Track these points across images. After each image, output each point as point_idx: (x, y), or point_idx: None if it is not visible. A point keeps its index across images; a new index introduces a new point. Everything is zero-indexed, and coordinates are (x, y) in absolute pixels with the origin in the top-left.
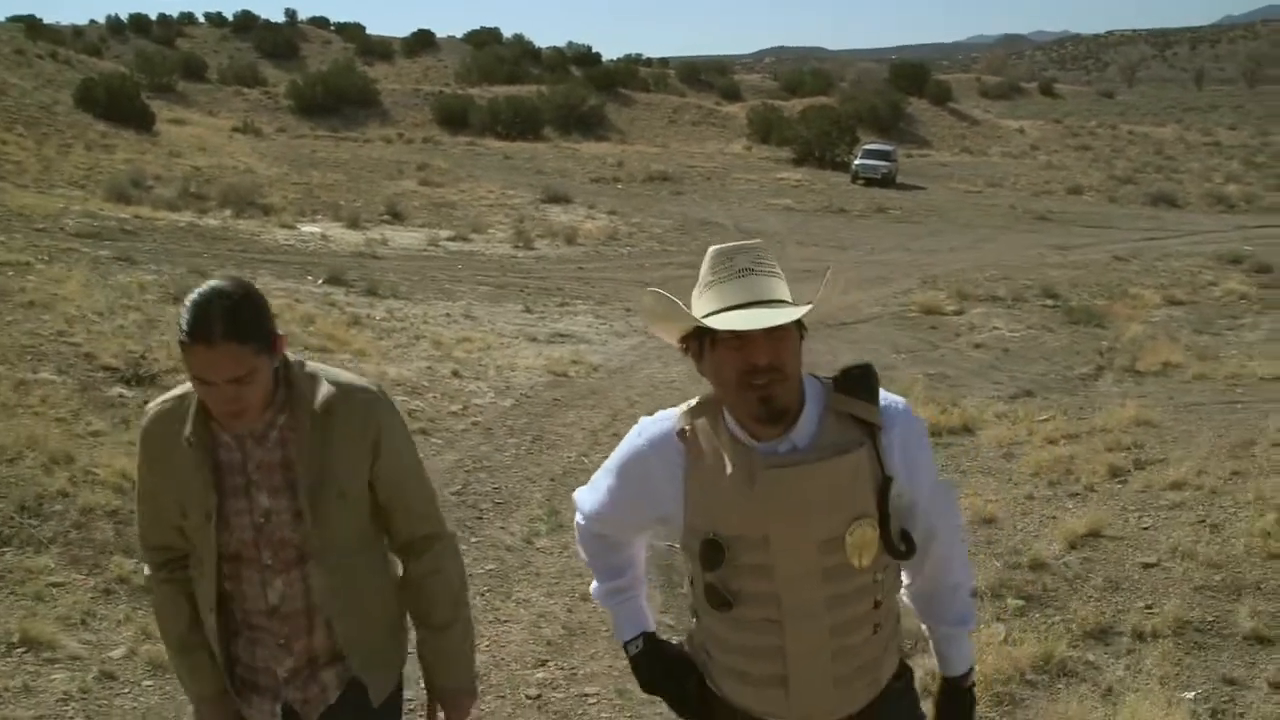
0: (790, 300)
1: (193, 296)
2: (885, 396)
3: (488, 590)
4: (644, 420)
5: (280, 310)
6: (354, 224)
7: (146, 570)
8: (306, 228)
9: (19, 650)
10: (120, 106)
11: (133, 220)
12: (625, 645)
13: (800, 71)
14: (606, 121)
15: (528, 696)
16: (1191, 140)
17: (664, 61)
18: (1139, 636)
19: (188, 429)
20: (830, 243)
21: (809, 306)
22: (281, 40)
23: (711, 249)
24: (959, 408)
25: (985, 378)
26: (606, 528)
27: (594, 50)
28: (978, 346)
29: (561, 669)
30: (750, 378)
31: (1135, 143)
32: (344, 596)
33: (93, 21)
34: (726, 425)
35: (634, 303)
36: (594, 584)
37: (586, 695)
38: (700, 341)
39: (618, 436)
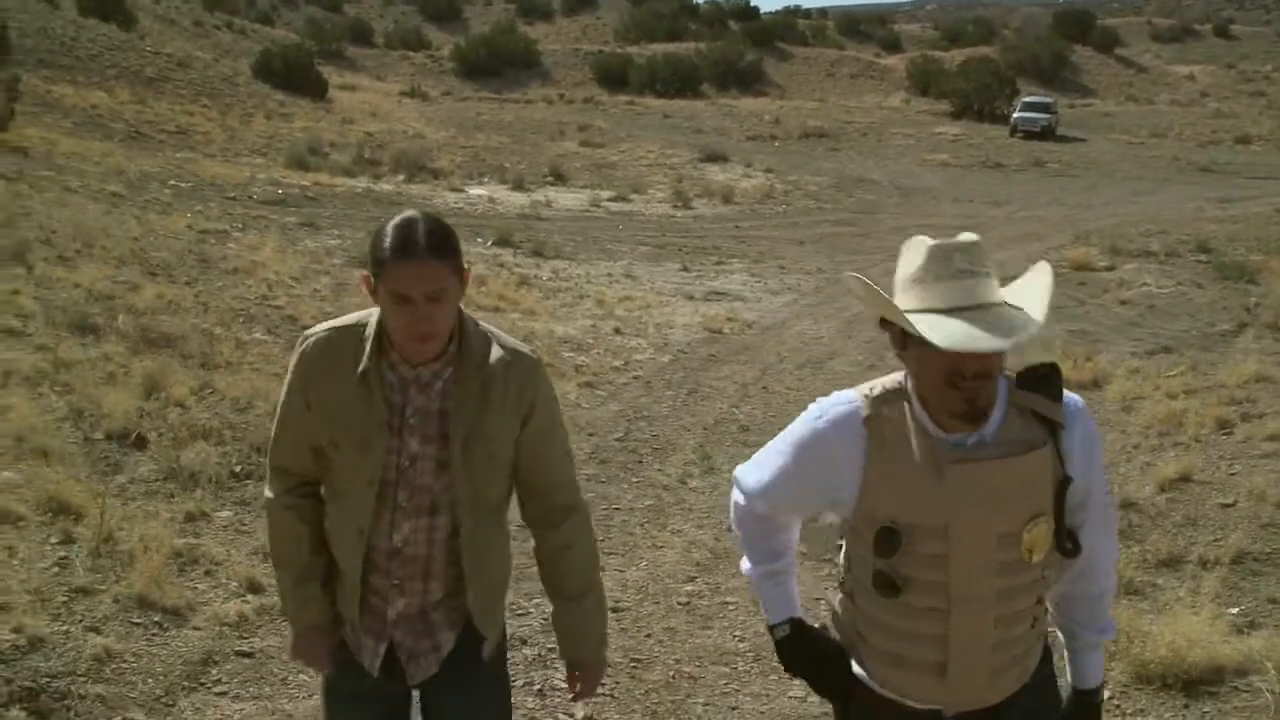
0: (1001, 301)
1: (391, 222)
2: (1066, 395)
3: (647, 521)
4: (822, 401)
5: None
6: (519, 186)
7: (269, 493)
8: (474, 190)
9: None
10: (296, 76)
11: (313, 187)
12: (772, 628)
13: (962, 20)
14: (764, 77)
15: (679, 603)
16: None
17: (823, 12)
18: (1203, 564)
19: (364, 360)
20: (986, 199)
21: (1031, 332)
22: (444, 3)
23: (926, 244)
24: (1092, 363)
25: (1126, 334)
26: (772, 507)
27: (752, 3)
28: (1124, 303)
29: (707, 584)
30: (957, 381)
31: None
32: (474, 553)
33: None
34: (914, 414)
35: (846, 281)
36: (745, 563)
37: (727, 603)
38: (904, 331)
39: (766, 390)
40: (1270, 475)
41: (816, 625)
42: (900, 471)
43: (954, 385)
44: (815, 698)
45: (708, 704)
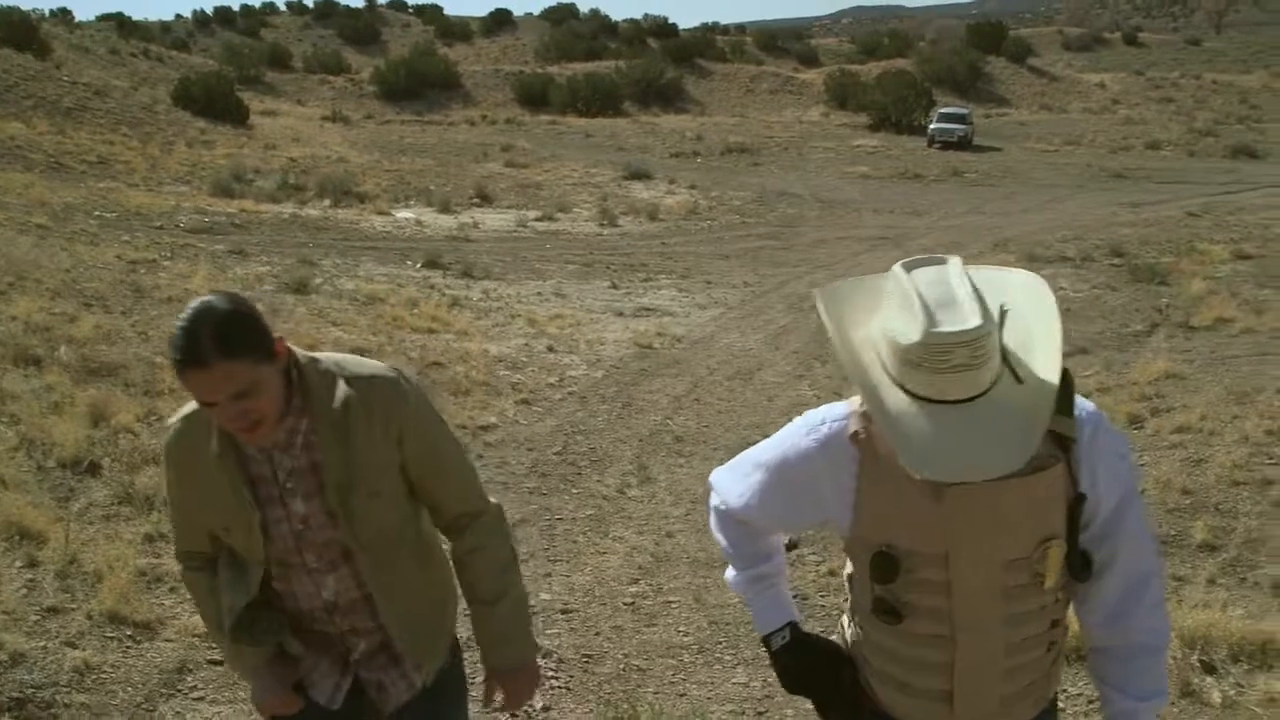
0: (998, 375)
1: (179, 320)
2: (1079, 404)
3: (589, 530)
4: (809, 415)
5: (386, 294)
6: (446, 208)
7: (179, 567)
8: (401, 214)
9: None
10: (216, 103)
11: (240, 214)
12: (768, 638)
13: (877, 33)
14: (685, 94)
15: (624, 603)
16: (1278, 88)
17: (740, 28)
18: None
19: (214, 446)
20: (906, 209)
21: (1032, 449)
22: (362, 25)
23: (921, 327)
24: None
25: None
26: (754, 519)
27: (670, 21)
28: None
29: (650, 585)
30: None
31: (1219, 92)
32: (389, 585)
33: (179, 16)
34: None
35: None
36: (730, 571)
37: (670, 602)
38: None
39: (698, 401)
40: (1176, 464)
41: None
42: (895, 493)
43: None
44: (758, 681)
45: (657, 692)
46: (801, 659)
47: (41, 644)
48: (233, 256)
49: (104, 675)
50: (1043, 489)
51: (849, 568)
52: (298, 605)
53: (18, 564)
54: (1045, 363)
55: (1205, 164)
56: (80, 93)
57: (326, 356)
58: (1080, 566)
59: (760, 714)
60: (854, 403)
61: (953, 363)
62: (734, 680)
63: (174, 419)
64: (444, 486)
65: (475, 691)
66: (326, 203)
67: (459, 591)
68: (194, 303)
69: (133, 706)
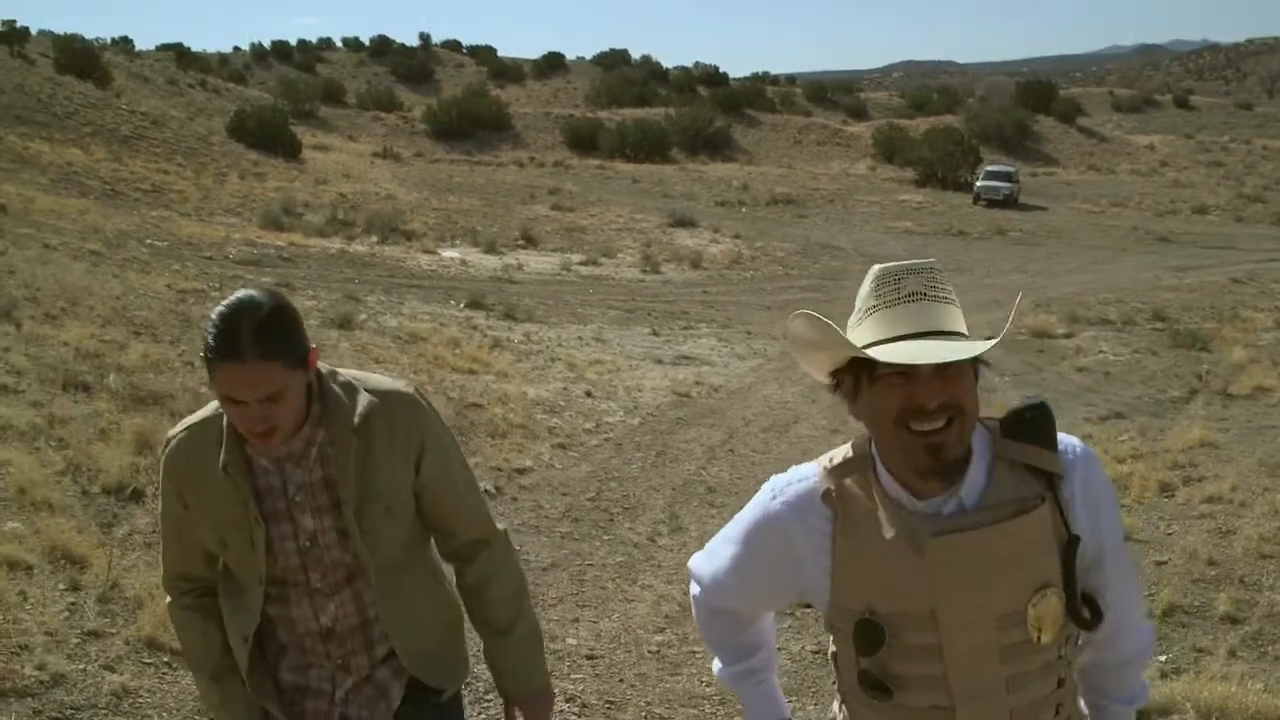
0: (965, 332)
1: (219, 309)
2: (1062, 439)
3: (618, 576)
4: (776, 480)
5: (428, 333)
6: (491, 249)
7: (168, 598)
8: (447, 253)
9: None
10: (269, 135)
11: (288, 248)
12: None
13: (927, 88)
14: (733, 142)
15: (649, 651)
16: None
17: (790, 79)
18: None
19: (222, 455)
20: (949, 266)
21: (992, 342)
22: (416, 64)
23: (875, 268)
24: None
25: (1081, 399)
26: (732, 602)
27: (721, 70)
28: (1080, 370)
29: (676, 635)
30: (916, 421)
31: (1269, 158)
32: (397, 611)
33: (236, 49)
34: (880, 483)
35: (783, 328)
36: (716, 664)
37: (695, 652)
38: (856, 377)
39: (733, 452)
40: (1203, 535)
41: None
42: (872, 552)
43: (912, 428)
44: None
45: None
46: None
47: (81, 666)
48: (281, 289)
49: (140, 700)
50: (1031, 533)
51: (832, 646)
52: (293, 632)
53: (61, 587)
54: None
55: (1252, 230)
56: (138, 121)
57: (345, 370)
58: (1089, 613)
59: None
60: (822, 460)
61: (906, 289)
62: None
63: (176, 429)
64: (456, 509)
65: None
66: (374, 239)
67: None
68: (235, 294)
69: None
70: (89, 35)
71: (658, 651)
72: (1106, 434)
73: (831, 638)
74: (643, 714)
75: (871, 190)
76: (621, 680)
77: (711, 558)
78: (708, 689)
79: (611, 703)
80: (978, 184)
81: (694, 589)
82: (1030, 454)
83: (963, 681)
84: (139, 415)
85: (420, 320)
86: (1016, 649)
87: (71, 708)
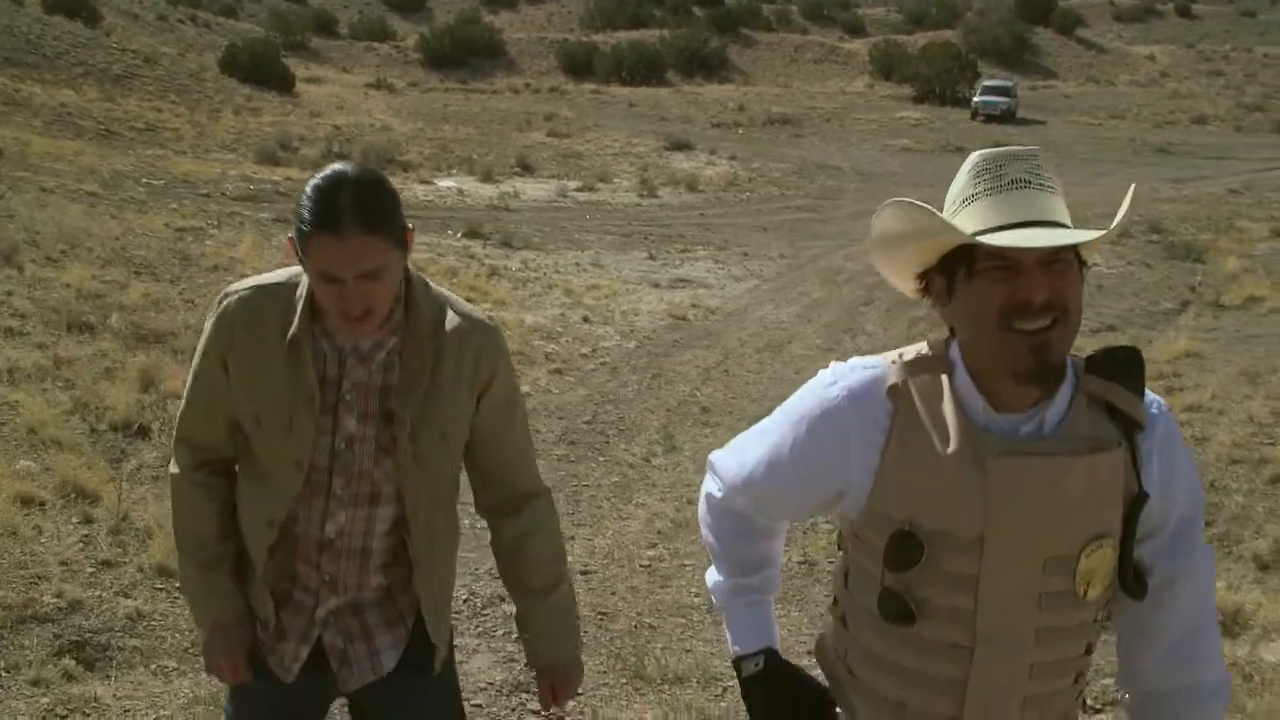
0: (1070, 225)
1: (315, 181)
2: (1148, 395)
3: (613, 496)
4: (837, 366)
5: (426, 264)
6: (487, 177)
7: (174, 468)
8: (443, 183)
9: None
10: (262, 70)
11: (284, 183)
12: (740, 660)
13: (925, 3)
14: (729, 63)
15: (641, 565)
16: None
17: None
18: None
19: (295, 328)
20: (947, 182)
21: (1105, 230)
22: None
23: (975, 154)
24: None
25: None
26: (756, 502)
27: None
28: None
29: (668, 549)
30: (1020, 319)
31: (1270, 65)
32: (425, 549)
33: None
34: (957, 388)
35: (871, 224)
36: (712, 573)
37: (685, 565)
38: (949, 276)
39: (727, 373)
40: None
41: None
42: (929, 459)
43: (1016, 327)
44: None
45: (665, 648)
46: (777, 692)
47: (97, 593)
48: (277, 224)
49: (154, 623)
50: (1103, 472)
51: (839, 564)
52: (290, 534)
53: (74, 520)
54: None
55: (1251, 140)
56: (129, 60)
57: (437, 286)
58: (1133, 580)
59: None
60: (890, 354)
61: (1009, 176)
62: None
63: (238, 285)
64: (509, 454)
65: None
66: (371, 167)
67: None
68: (332, 167)
69: (180, 651)
70: None
71: (649, 566)
72: (1096, 347)
73: (844, 549)
74: (633, 623)
75: (869, 108)
76: (614, 593)
77: (741, 451)
78: (696, 599)
79: (604, 614)
80: (975, 99)
81: (709, 485)
82: (1116, 394)
83: (991, 621)
84: (142, 354)
85: (418, 250)
86: (1057, 598)
87: (89, 631)
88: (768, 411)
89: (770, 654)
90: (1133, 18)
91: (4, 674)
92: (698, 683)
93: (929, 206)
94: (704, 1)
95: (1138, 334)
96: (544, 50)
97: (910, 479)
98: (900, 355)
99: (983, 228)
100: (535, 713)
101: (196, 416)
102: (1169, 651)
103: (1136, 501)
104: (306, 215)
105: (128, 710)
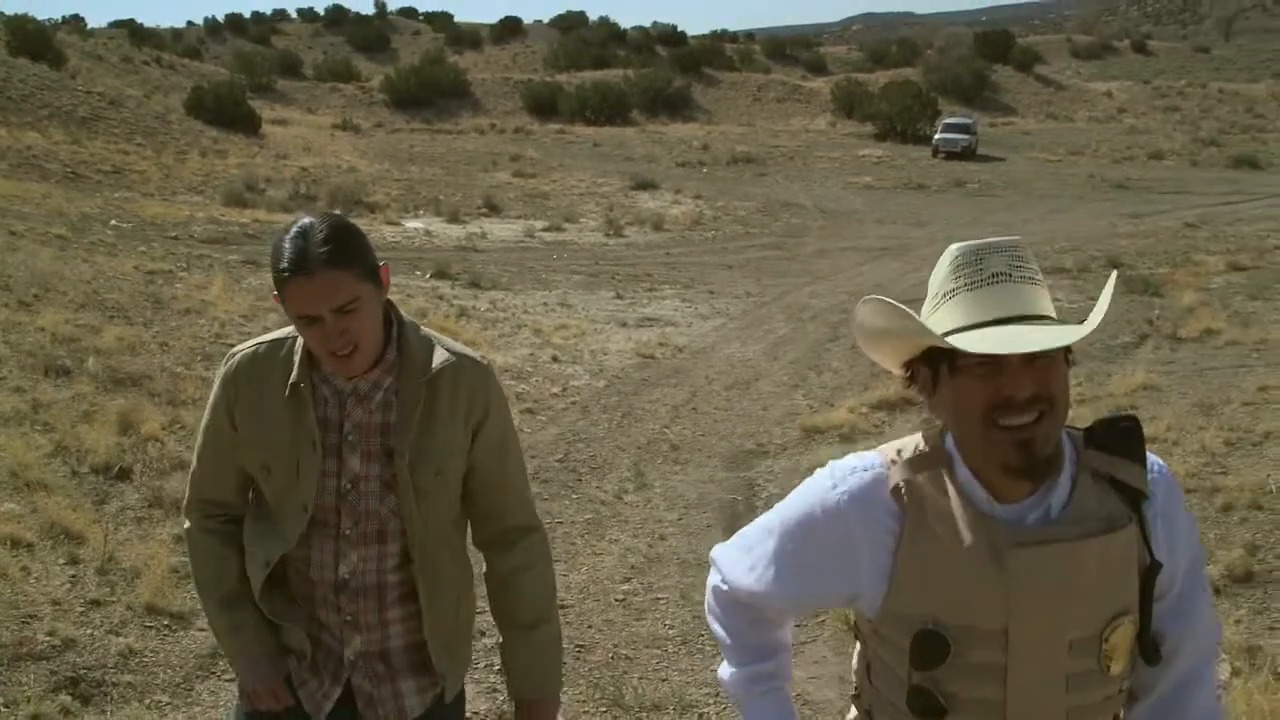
0: (1053, 315)
1: (285, 232)
2: (1149, 458)
3: (587, 533)
4: (835, 466)
5: (396, 305)
6: (454, 218)
7: (187, 523)
8: (410, 223)
9: None
10: (228, 111)
11: (252, 224)
12: None
13: (885, 41)
14: (692, 102)
15: (616, 599)
16: None
17: (750, 35)
18: None
19: (294, 374)
20: (909, 220)
21: (1089, 327)
22: (372, 33)
23: (953, 247)
24: None
25: None
26: (763, 599)
27: (679, 28)
28: None
29: (641, 584)
30: (1005, 416)
31: (1225, 101)
32: (428, 582)
33: (190, 23)
34: (958, 482)
35: (852, 316)
36: (724, 667)
37: (659, 599)
38: (934, 368)
39: (696, 410)
40: None
41: None
42: (944, 558)
43: (1001, 423)
44: None
45: (642, 678)
46: None
47: (89, 631)
48: (247, 266)
49: (146, 659)
50: (1117, 550)
51: (858, 654)
52: (306, 576)
53: (61, 561)
54: (1094, 312)
55: (1207, 174)
56: (95, 102)
57: (426, 328)
58: (1151, 649)
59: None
60: (887, 451)
61: (988, 270)
62: (711, 668)
63: (243, 345)
64: (504, 490)
65: None
66: (337, 213)
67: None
68: (298, 219)
69: (173, 686)
70: (40, 15)
71: (624, 599)
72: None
73: (861, 647)
74: (610, 655)
75: (831, 146)
76: (590, 626)
77: (745, 549)
78: (670, 631)
79: (581, 646)
80: (936, 137)
81: (714, 580)
82: (1120, 468)
83: (1022, 709)
84: (120, 397)
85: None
86: (1084, 678)
87: (84, 668)
88: (736, 449)
89: None
90: (1090, 54)
91: (3, 709)
92: (674, 709)
93: (904, 308)
94: (667, 41)
95: (1095, 368)
96: (509, 90)
97: (928, 579)
98: (899, 452)
99: (965, 323)
100: None
101: (207, 473)
102: (1163, 703)
103: (1150, 572)
104: (279, 265)
105: None
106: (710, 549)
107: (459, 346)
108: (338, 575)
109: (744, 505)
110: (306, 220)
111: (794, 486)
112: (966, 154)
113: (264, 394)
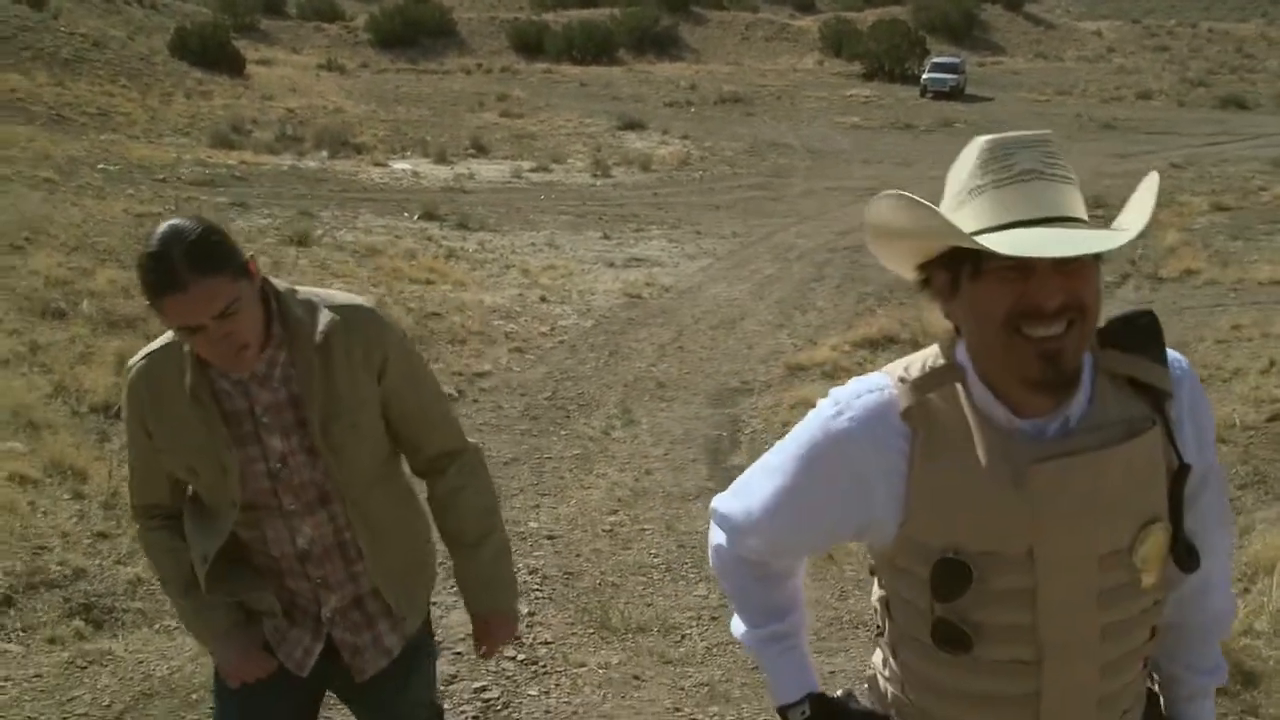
0: (1085, 217)
1: (147, 249)
2: (1170, 355)
3: (575, 467)
4: (837, 393)
5: (384, 246)
6: (442, 159)
7: (136, 524)
8: (398, 165)
9: None
10: (212, 52)
11: (239, 166)
12: (785, 710)
13: None
14: (680, 42)
15: (603, 530)
16: (1274, 36)
17: None
18: None
19: (188, 380)
20: (896, 159)
21: (1131, 233)
22: None
23: (980, 140)
24: None
25: None
26: (770, 547)
27: None
28: None
29: (628, 515)
30: (1030, 325)
31: (1214, 41)
32: (368, 529)
33: None
34: (973, 397)
35: (866, 212)
36: (738, 624)
37: (644, 529)
38: (954, 272)
39: (682, 349)
40: None
41: (839, 694)
42: (960, 480)
43: (1024, 332)
44: (715, 594)
45: (628, 603)
46: None
47: (97, 562)
48: (235, 209)
49: (153, 587)
50: (1143, 456)
51: (876, 591)
52: (267, 554)
53: (66, 496)
54: (1134, 214)
55: (1195, 115)
56: (78, 43)
57: (304, 288)
58: (1186, 554)
59: (714, 619)
60: (895, 370)
61: (1018, 166)
62: (695, 594)
63: (136, 358)
64: (424, 422)
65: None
66: (324, 154)
67: (436, 551)
68: (158, 228)
69: None
70: None
71: (611, 530)
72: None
73: (880, 580)
74: (597, 582)
75: (819, 85)
76: (578, 555)
77: (745, 495)
78: (655, 560)
79: (570, 574)
80: (924, 76)
81: (716, 536)
82: (1141, 368)
83: (1055, 630)
84: (116, 338)
85: (375, 234)
86: (1117, 592)
87: (95, 595)
88: (721, 387)
89: (815, 699)
90: None
91: (22, 633)
92: (658, 631)
93: (927, 203)
94: None
95: None
96: (495, 30)
97: (945, 504)
98: (906, 370)
99: (992, 224)
100: (511, 658)
101: (140, 480)
102: (1190, 593)
103: (1179, 475)
104: (149, 285)
105: (141, 662)
106: (693, 481)
107: (342, 298)
108: (297, 547)
109: (728, 441)
110: (168, 228)
111: (777, 422)
112: (955, 94)
113: (167, 402)
